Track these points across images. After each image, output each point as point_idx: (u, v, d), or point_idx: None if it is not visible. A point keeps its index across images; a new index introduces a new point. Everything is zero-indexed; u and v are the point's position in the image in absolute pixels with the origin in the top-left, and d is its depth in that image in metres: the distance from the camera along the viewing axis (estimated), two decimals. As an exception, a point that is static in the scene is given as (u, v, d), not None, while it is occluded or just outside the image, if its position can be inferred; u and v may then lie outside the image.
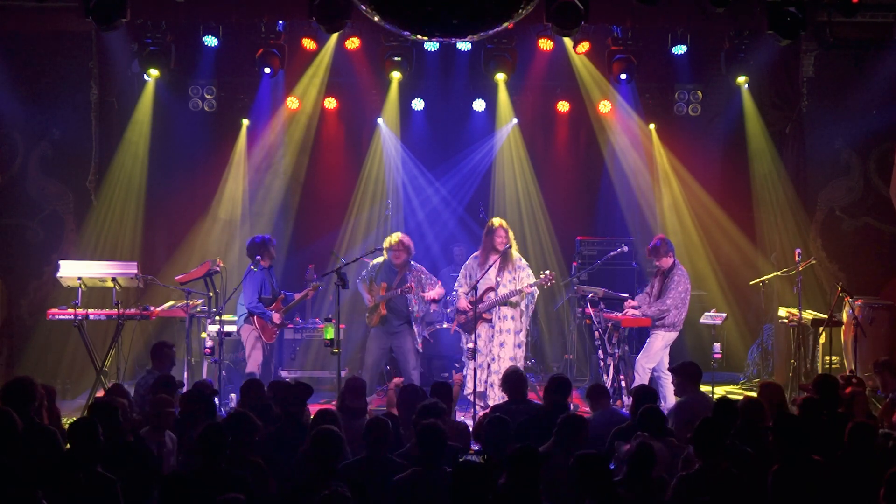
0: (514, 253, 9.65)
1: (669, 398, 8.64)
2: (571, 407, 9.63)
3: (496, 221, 9.68)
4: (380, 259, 9.87)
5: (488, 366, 9.50)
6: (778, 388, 7.22)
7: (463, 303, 9.59)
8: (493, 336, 9.54)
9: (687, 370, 7.48)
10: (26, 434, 5.71)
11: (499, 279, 9.55)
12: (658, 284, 9.63)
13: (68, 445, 5.62)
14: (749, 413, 6.23)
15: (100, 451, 5.34)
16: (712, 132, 12.30)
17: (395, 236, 9.80)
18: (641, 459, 5.27)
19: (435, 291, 9.91)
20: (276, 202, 12.23)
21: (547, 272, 9.65)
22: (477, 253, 9.74)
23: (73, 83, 10.86)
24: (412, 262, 9.91)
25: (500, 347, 9.50)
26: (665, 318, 9.40)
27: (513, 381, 7.33)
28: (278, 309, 9.73)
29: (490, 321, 9.53)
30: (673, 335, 9.50)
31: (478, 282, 9.34)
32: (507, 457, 5.16)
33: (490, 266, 9.44)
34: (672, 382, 7.80)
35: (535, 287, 9.63)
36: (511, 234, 9.66)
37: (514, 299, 9.52)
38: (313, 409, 7.10)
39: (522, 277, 9.57)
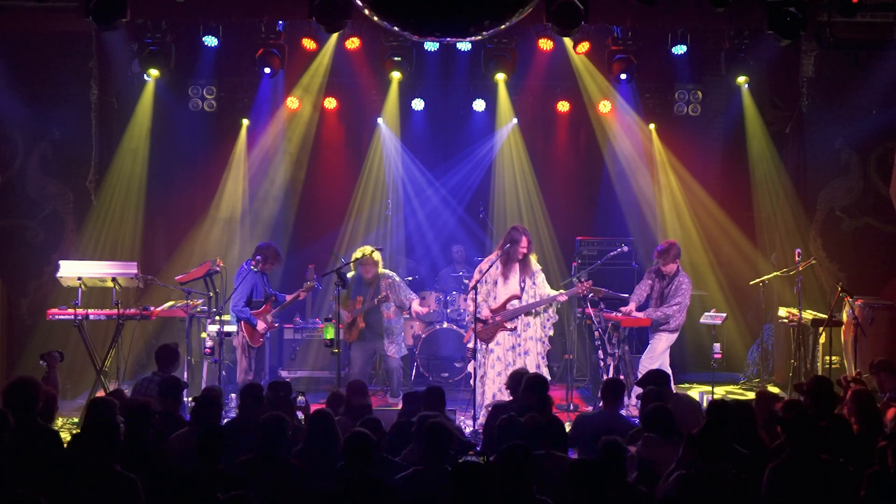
0: (532, 257, 9.36)
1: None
2: (571, 406, 9.74)
3: (518, 227, 9.29)
4: (350, 274, 9.70)
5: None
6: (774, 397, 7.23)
7: (486, 312, 9.14)
8: (514, 344, 9.18)
9: (656, 378, 7.36)
10: (28, 435, 5.70)
11: (522, 285, 9.20)
12: (658, 287, 9.62)
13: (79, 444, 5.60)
14: (742, 416, 6.22)
15: (119, 451, 5.32)
16: (712, 132, 12.31)
17: (363, 251, 9.60)
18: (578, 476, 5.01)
19: (417, 305, 9.79)
20: (276, 202, 12.23)
21: (582, 280, 9.38)
22: (492, 257, 9.31)
23: (73, 83, 10.86)
24: (384, 272, 9.75)
25: (524, 356, 9.13)
26: (669, 323, 9.41)
27: (518, 381, 7.34)
28: (267, 312, 9.67)
29: (514, 330, 9.17)
30: (675, 336, 9.56)
31: (477, 282, 9.28)
32: (498, 455, 5.14)
33: (489, 268, 9.33)
34: (638, 396, 7.64)
35: (567, 296, 9.35)
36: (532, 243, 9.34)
37: (538, 309, 9.18)
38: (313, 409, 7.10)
39: (539, 283, 9.23)
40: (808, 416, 5.66)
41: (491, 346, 9.21)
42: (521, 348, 9.19)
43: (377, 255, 9.63)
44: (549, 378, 8.41)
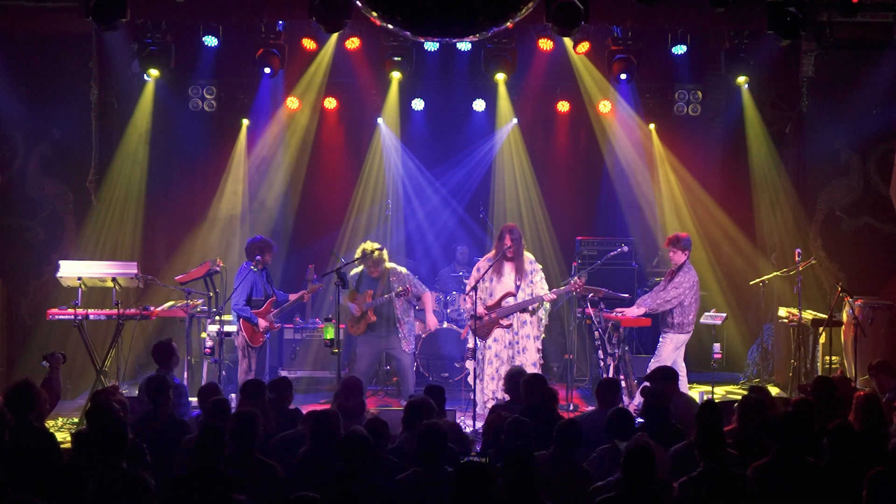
0: (527, 254, 9.39)
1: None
2: (571, 407, 9.73)
3: (506, 225, 9.37)
4: (358, 269, 9.61)
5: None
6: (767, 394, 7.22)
7: (480, 308, 9.15)
8: (511, 342, 9.19)
9: (661, 375, 7.36)
10: (25, 439, 5.70)
11: (518, 283, 9.21)
12: (665, 282, 9.57)
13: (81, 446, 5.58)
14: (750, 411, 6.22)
15: (126, 449, 5.31)
16: (712, 132, 12.31)
17: (364, 248, 9.41)
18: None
19: (429, 302, 9.73)
20: (276, 202, 12.24)
21: (575, 278, 9.42)
22: (490, 255, 9.39)
23: (73, 83, 10.85)
24: (394, 267, 9.58)
25: (522, 354, 9.15)
26: (673, 318, 9.33)
27: (515, 381, 7.32)
28: (268, 311, 9.63)
29: (509, 327, 9.20)
30: (683, 337, 9.40)
31: (477, 280, 9.27)
32: (502, 458, 5.12)
33: (489, 268, 9.32)
34: (642, 392, 7.58)
35: (558, 295, 9.37)
36: (522, 238, 9.34)
37: (532, 307, 9.20)
38: (310, 409, 7.09)
39: (536, 281, 9.25)
40: (800, 420, 5.67)
41: (488, 342, 9.25)
42: (519, 346, 9.22)
43: (381, 254, 9.44)
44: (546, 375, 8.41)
